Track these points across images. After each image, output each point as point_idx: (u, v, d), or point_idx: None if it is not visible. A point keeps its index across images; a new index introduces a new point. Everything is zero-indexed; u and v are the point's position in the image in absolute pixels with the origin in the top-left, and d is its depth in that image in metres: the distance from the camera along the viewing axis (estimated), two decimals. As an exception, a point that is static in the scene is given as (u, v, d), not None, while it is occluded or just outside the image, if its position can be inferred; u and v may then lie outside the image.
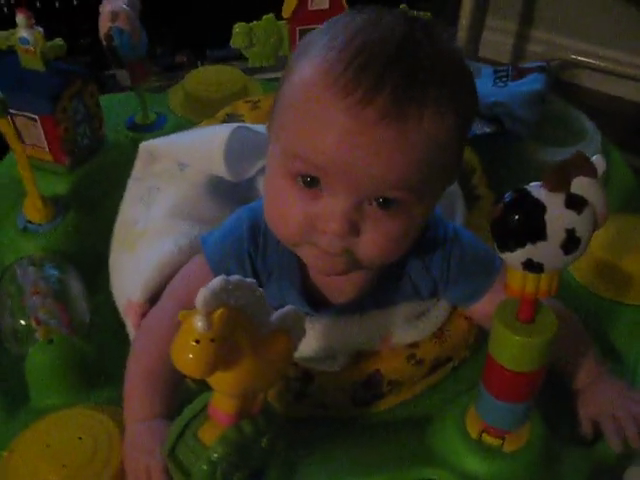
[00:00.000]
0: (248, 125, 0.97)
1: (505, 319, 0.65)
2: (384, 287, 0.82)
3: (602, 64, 1.83)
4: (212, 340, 0.57)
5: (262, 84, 1.34)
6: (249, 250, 0.79)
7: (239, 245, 0.79)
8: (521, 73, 1.19)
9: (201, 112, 1.21)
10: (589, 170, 0.60)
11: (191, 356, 0.57)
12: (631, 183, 1.13)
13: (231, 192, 0.97)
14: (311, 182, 0.68)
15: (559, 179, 0.59)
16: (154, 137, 1.03)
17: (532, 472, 0.73)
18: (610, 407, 0.78)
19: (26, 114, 1.02)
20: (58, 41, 1.01)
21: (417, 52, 0.65)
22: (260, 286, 0.61)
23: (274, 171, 0.71)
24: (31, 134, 1.04)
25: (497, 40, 1.97)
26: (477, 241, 0.83)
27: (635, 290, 0.95)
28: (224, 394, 0.64)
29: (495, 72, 1.20)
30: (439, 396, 0.86)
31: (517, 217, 0.58)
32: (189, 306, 0.57)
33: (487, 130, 1.05)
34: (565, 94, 1.31)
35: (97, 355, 0.88)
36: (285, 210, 0.70)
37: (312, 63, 0.66)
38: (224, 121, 1.07)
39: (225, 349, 0.58)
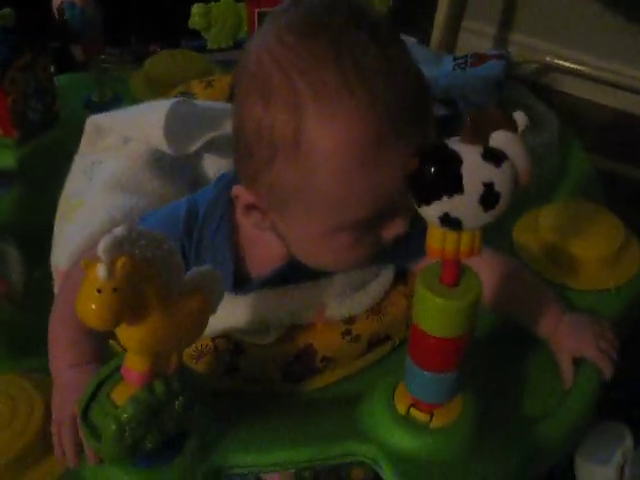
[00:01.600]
0: (191, 100, 0.96)
1: (428, 282, 0.63)
2: None
3: (580, 69, 1.82)
4: (114, 289, 0.55)
5: (222, 68, 1.32)
6: (182, 240, 0.77)
7: (173, 233, 0.77)
8: (481, 59, 1.18)
9: (160, 95, 1.19)
10: (509, 124, 0.58)
11: (93, 306, 0.55)
12: (588, 171, 1.12)
13: (176, 168, 0.95)
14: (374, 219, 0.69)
15: (476, 131, 0.57)
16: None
17: (458, 449, 0.71)
18: (593, 340, 0.80)
19: (-27, 84, 1.01)
20: (6, 10, 1.00)
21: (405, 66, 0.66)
22: None
23: (322, 236, 0.70)
24: (-21, 105, 1.03)
25: (473, 42, 1.94)
26: None
27: (583, 276, 0.93)
28: (134, 351, 0.62)
29: (454, 59, 1.19)
30: (377, 376, 0.83)
31: (432, 168, 0.57)
32: None
33: (442, 113, 1.04)
34: (542, 97, 1.30)
35: (31, 326, 0.86)
36: (352, 254, 0.72)
37: (339, 125, 0.62)
38: (176, 98, 1.06)
39: (129, 300, 0.56)
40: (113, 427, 0.62)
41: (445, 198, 0.57)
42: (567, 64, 1.84)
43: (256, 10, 1.13)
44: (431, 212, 0.58)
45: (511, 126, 0.58)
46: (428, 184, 0.57)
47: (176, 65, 1.28)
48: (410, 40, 1.14)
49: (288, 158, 0.65)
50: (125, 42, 1.68)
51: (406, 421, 0.71)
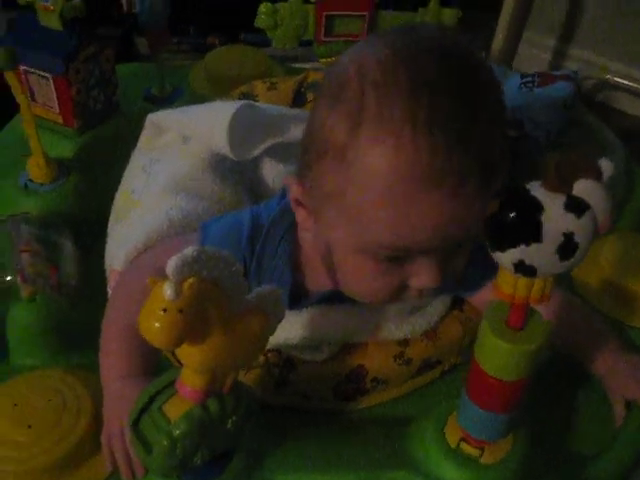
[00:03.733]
0: (257, 104, 0.95)
1: (493, 323, 0.62)
2: None
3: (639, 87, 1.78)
4: (180, 311, 0.54)
5: (285, 69, 1.31)
6: (244, 255, 0.77)
7: (236, 247, 0.76)
8: (547, 80, 1.16)
9: (220, 91, 1.19)
10: (594, 172, 0.56)
11: (157, 325, 0.54)
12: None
13: (235, 171, 0.95)
14: (396, 258, 0.67)
15: (560, 178, 0.55)
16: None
17: (508, 487, 0.70)
18: None
19: (39, 72, 1.01)
20: (77, 2, 0.99)
21: (487, 107, 0.63)
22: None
23: (347, 251, 0.69)
24: (43, 93, 1.03)
25: (532, 54, 1.91)
26: None
27: (641, 313, 0.91)
28: (192, 369, 0.62)
29: (521, 77, 1.17)
30: (426, 399, 0.83)
31: (512, 215, 0.55)
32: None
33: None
34: (598, 115, 1.27)
35: (83, 320, 0.87)
36: (372, 284, 0.70)
37: (386, 151, 0.60)
38: (238, 99, 1.05)
39: (193, 321, 0.55)
40: (165, 442, 0.62)
41: (522, 246, 0.55)
42: (626, 82, 1.80)
43: (324, 13, 1.11)
44: (506, 258, 0.56)
45: (596, 174, 0.56)
46: (506, 230, 0.56)
47: (236, 61, 1.28)
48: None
49: (333, 161, 0.64)
50: (183, 33, 1.68)
51: (456, 455, 0.70)
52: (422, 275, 0.68)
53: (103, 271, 0.90)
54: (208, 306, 0.57)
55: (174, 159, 0.93)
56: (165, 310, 0.54)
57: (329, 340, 0.79)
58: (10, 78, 0.89)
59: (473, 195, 0.62)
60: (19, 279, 0.84)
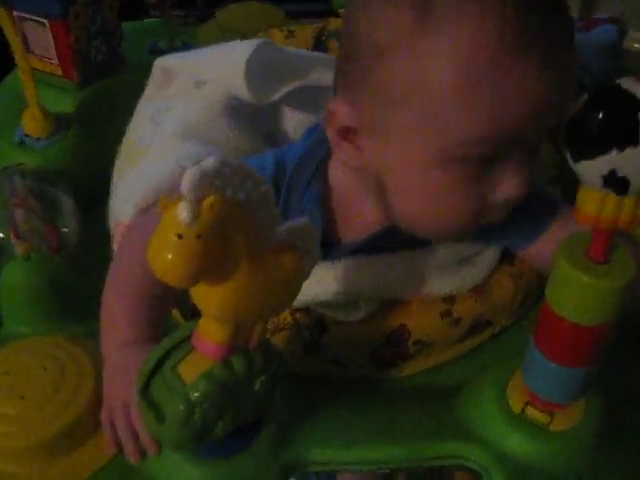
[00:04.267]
0: (275, 44, 0.85)
1: (571, 255, 0.52)
2: None
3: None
4: (198, 236, 0.44)
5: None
6: None
7: None
8: (589, 25, 1.06)
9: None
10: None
11: (170, 256, 0.44)
12: None
13: (252, 116, 0.85)
14: (482, 161, 0.59)
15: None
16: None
17: (581, 458, 0.60)
18: None
19: (35, 17, 0.92)
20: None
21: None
22: None
23: (424, 167, 0.60)
24: (40, 42, 0.95)
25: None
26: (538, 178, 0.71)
27: None
28: (212, 317, 0.51)
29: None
30: (476, 365, 0.73)
31: (602, 114, 0.46)
32: None
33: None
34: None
35: (84, 284, 0.77)
36: (456, 201, 0.62)
37: (467, 30, 0.54)
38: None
39: (214, 251, 0.45)
40: (180, 407, 0.52)
41: (614, 152, 0.46)
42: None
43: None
44: (594, 169, 0.46)
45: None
46: (595, 133, 0.46)
47: (250, 16, 1.20)
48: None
49: (402, 53, 0.57)
50: (190, 5, 1.63)
51: (522, 421, 0.60)
52: (510, 180, 0.60)
53: (104, 233, 0.81)
54: (232, 233, 0.47)
55: (185, 104, 0.83)
56: (180, 236, 0.44)
57: (366, 296, 0.69)
58: (1, 16, 0.80)
59: (555, 76, 0.56)
60: (12, 236, 0.75)
